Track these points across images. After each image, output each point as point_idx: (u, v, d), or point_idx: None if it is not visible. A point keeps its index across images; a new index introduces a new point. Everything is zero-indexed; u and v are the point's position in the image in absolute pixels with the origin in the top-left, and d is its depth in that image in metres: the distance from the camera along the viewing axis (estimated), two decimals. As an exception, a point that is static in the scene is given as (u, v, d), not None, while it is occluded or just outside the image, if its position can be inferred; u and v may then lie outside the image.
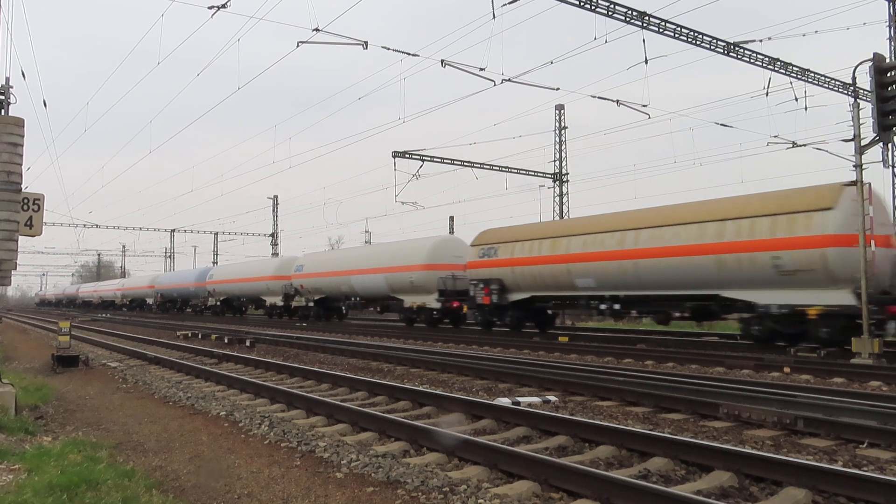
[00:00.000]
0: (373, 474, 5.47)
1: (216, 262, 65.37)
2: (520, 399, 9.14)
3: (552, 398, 9.41)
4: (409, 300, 28.65)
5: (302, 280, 36.20)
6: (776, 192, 16.91)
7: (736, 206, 17.04)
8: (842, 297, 14.73)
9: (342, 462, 5.86)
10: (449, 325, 28.75)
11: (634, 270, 18.79)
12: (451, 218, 47.36)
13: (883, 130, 14.21)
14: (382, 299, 31.45)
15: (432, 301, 27.26)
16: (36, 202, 9.55)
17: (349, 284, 32.28)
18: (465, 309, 26.44)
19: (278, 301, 39.72)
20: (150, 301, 51.32)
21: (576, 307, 23.05)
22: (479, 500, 4.72)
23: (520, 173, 36.34)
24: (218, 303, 47.95)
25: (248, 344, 19.74)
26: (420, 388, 10.00)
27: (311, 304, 36.70)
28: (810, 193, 15.72)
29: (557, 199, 37.86)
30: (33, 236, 9.90)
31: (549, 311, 25.14)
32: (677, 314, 19.45)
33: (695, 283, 17.48)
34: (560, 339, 20.33)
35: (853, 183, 14.38)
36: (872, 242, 14.20)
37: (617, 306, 20.00)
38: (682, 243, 17.56)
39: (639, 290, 19.14)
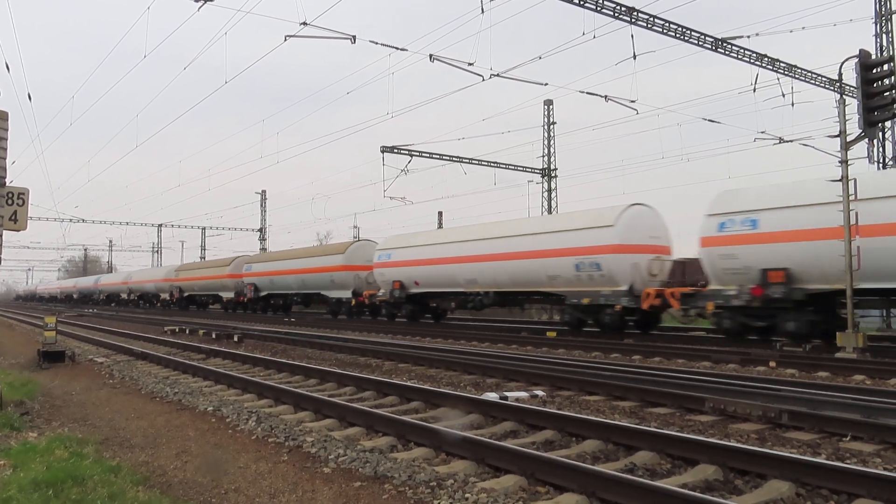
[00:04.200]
0: (360, 469, 5.48)
1: (203, 258, 64.75)
2: (507, 394, 9.16)
3: (540, 393, 9.45)
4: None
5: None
6: None
7: None
8: None
9: (330, 457, 5.87)
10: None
11: None
12: (440, 213, 47.31)
13: (868, 126, 14.33)
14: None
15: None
16: (20, 197, 9.44)
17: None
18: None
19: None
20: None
21: None
22: (467, 495, 4.73)
23: (508, 168, 36.42)
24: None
25: (235, 339, 19.69)
26: (408, 384, 10.01)
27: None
28: None
29: (546, 194, 38.00)
30: (18, 231, 9.79)
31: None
32: None
33: None
34: (548, 334, 20.40)
35: None
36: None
37: None
38: None
39: None
